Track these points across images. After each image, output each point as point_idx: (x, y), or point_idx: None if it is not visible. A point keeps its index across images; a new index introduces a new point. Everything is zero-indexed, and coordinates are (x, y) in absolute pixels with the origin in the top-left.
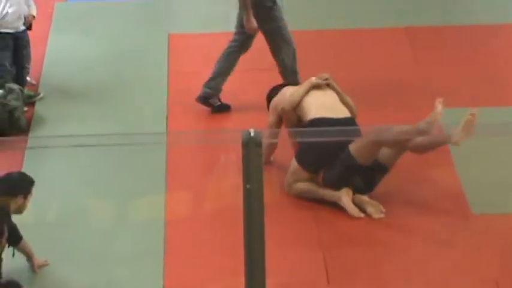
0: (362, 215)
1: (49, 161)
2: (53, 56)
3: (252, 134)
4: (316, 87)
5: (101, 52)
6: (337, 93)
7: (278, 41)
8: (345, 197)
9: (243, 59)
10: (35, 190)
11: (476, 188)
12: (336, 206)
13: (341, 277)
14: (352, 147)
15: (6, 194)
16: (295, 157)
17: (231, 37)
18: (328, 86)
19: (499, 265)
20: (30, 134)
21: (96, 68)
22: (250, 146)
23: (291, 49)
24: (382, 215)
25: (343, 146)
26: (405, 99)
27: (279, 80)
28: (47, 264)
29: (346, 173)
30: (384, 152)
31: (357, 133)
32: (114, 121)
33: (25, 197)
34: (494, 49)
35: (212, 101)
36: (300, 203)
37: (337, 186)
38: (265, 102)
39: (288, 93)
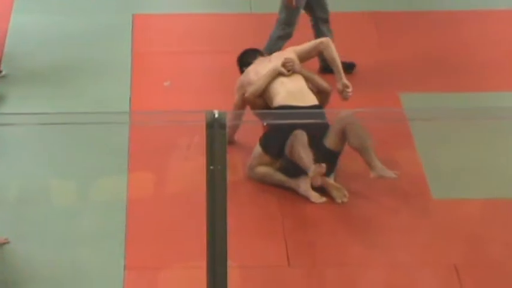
0: (323, 199)
1: (10, 139)
2: (16, 35)
3: (216, 115)
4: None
5: (65, 31)
6: (305, 77)
7: None
8: (303, 184)
9: (215, 41)
10: None
11: (437, 173)
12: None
13: (302, 260)
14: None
15: None
16: (259, 142)
17: (194, 17)
18: (294, 71)
19: (458, 250)
20: None
21: (59, 47)
22: (214, 127)
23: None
24: (345, 199)
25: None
26: (369, 84)
27: None
28: (7, 243)
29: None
30: (332, 138)
31: (321, 117)
32: (77, 100)
33: None
34: (459, 35)
35: None
36: (264, 185)
37: (295, 173)
38: (231, 85)
39: (252, 73)
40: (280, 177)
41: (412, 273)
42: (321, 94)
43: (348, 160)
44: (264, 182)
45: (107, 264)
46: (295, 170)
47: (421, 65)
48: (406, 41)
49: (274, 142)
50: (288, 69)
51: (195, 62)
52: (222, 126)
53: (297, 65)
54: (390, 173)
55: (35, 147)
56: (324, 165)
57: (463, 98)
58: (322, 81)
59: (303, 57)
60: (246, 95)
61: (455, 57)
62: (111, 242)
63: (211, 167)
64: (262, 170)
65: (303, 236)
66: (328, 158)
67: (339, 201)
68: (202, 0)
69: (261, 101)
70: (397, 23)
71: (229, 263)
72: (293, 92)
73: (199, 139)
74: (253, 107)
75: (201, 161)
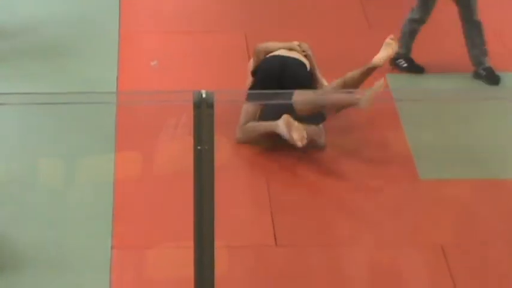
0: (304, 141)
1: None
2: (2, 13)
3: (204, 95)
4: (293, 49)
5: (51, 10)
6: (311, 62)
7: None
8: (282, 123)
9: (203, 21)
10: None
11: (424, 153)
12: (287, 169)
13: (289, 239)
14: (296, 102)
15: None
16: (246, 97)
17: None
18: (305, 56)
19: (445, 231)
20: None
21: (45, 26)
22: (202, 107)
23: None
24: (300, 144)
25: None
26: (356, 64)
27: (236, 44)
28: None
29: (284, 110)
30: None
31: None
32: (64, 80)
33: None
34: (450, 15)
35: (399, 62)
36: (252, 166)
37: (275, 116)
38: (219, 65)
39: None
40: (264, 125)
41: (399, 254)
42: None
43: (335, 140)
44: (253, 141)
45: (94, 244)
46: (275, 113)
47: None
48: (394, 21)
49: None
50: (302, 49)
51: (183, 41)
52: (210, 106)
53: (310, 51)
54: (374, 88)
55: (20, 128)
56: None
57: (450, 79)
58: (320, 79)
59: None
60: (258, 46)
61: (443, 36)
62: (98, 221)
63: (199, 147)
64: (249, 125)
65: (291, 215)
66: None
67: (299, 143)
68: None
69: (260, 59)
70: (384, 2)
71: (217, 242)
72: (291, 50)
73: (187, 119)
74: (254, 61)
75: (189, 140)
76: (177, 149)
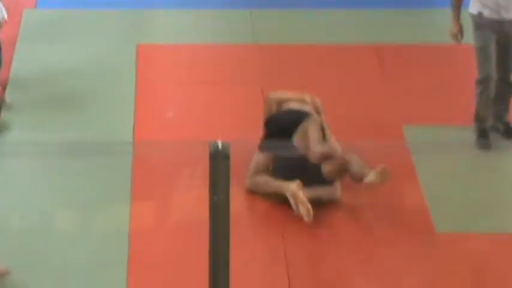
0: (310, 217)
1: (13, 168)
2: (21, 63)
3: (220, 147)
4: (305, 102)
5: (69, 60)
6: (322, 122)
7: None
8: (293, 190)
9: (219, 72)
10: None
11: (440, 206)
12: (302, 221)
13: None
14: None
15: None
16: (258, 147)
17: (199, 48)
18: (316, 110)
19: (462, 285)
20: None
21: (63, 76)
22: (218, 158)
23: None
24: (307, 219)
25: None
26: (372, 116)
27: (255, 97)
28: (8, 272)
29: (296, 165)
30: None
31: None
32: (81, 130)
33: None
34: (462, 68)
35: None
36: (267, 217)
37: (285, 177)
38: (235, 116)
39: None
40: (275, 185)
41: None
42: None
43: (350, 193)
44: (263, 192)
45: None
46: (288, 172)
47: (425, 97)
48: (409, 73)
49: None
50: (313, 103)
51: (199, 92)
52: (226, 157)
53: (321, 107)
54: (378, 169)
55: (37, 177)
56: (299, 181)
57: (467, 131)
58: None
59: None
60: (269, 95)
61: (459, 90)
62: (112, 272)
63: (214, 198)
64: (259, 177)
65: (306, 268)
66: (316, 180)
67: (306, 219)
68: (207, 30)
69: (272, 109)
70: (400, 55)
71: None
72: (300, 107)
73: (202, 170)
74: (265, 111)
75: (204, 191)
76: (192, 200)
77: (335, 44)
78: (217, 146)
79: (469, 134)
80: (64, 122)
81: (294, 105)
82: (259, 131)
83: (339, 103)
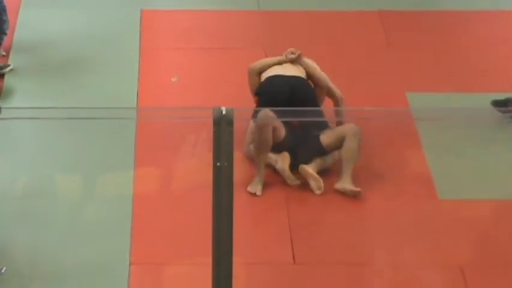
0: (297, 182)
1: (17, 133)
2: (24, 28)
3: (224, 112)
4: (283, 62)
5: (73, 26)
6: (307, 67)
7: None
8: (280, 162)
9: (222, 37)
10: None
11: (444, 173)
12: (306, 187)
13: (308, 257)
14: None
15: None
16: (252, 116)
17: (203, 13)
18: (296, 61)
19: (464, 251)
20: None
21: (66, 42)
22: (222, 123)
23: None
24: (318, 191)
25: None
26: (376, 83)
27: (257, 60)
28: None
29: (290, 137)
30: (330, 138)
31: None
32: (85, 95)
33: None
34: (467, 35)
35: None
36: (271, 183)
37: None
38: (238, 81)
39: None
40: (267, 154)
41: (417, 274)
42: (319, 89)
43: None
44: (257, 162)
45: (112, 260)
46: (287, 146)
47: (428, 64)
48: (413, 40)
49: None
50: (291, 56)
51: (203, 58)
52: (229, 123)
53: (303, 60)
54: (353, 188)
55: (41, 142)
56: (287, 154)
57: (471, 98)
58: (324, 75)
59: (314, 79)
60: (250, 67)
61: (463, 57)
62: (116, 237)
63: (218, 164)
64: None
65: (309, 233)
66: (315, 150)
67: (317, 192)
68: None
69: (257, 79)
70: (404, 22)
71: (235, 259)
72: (284, 68)
73: (206, 135)
74: (250, 86)
75: (208, 157)
76: (196, 165)
77: (338, 10)
78: (221, 111)
79: (473, 101)
80: (68, 87)
81: (276, 70)
82: None
83: (341, 69)
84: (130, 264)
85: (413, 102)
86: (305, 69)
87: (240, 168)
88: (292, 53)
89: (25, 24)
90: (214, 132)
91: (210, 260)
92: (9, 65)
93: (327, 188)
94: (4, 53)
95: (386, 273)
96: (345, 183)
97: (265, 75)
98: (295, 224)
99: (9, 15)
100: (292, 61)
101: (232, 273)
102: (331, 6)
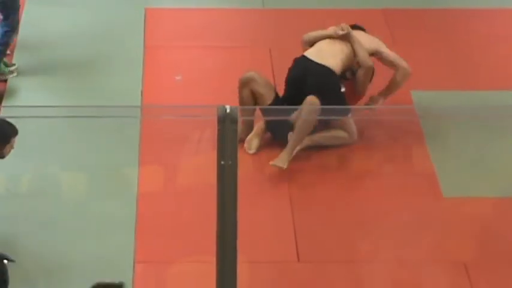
0: (252, 151)
1: (21, 132)
2: (29, 27)
3: (228, 110)
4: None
5: (77, 24)
6: (353, 42)
7: None
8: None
9: (227, 35)
10: (6, 160)
11: (448, 171)
12: (310, 186)
13: (312, 255)
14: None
15: None
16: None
17: (206, 12)
18: (345, 37)
19: (468, 248)
20: (3, 104)
21: (71, 40)
22: (226, 122)
23: None
24: (249, 151)
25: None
26: (380, 80)
27: (261, 59)
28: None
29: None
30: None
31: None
32: (89, 94)
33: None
34: (470, 33)
35: None
36: (275, 181)
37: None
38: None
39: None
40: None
41: (421, 271)
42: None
43: (357, 157)
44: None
45: (117, 258)
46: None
47: (432, 62)
48: (417, 38)
49: None
50: (341, 31)
51: (207, 56)
52: (234, 121)
53: (352, 36)
54: (284, 164)
55: (45, 140)
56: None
57: (475, 96)
58: (365, 57)
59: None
60: (303, 36)
61: (467, 55)
62: (121, 235)
63: (222, 162)
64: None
65: (313, 231)
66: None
67: (249, 151)
68: None
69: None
70: (409, 20)
71: (239, 258)
72: (322, 50)
73: (210, 133)
74: (303, 49)
75: (212, 155)
76: (200, 164)
77: (343, 8)
78: (225, 110)
79: (477, 99)
80: (72, 85)
81: (320, 46)
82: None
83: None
84: (135, 262)
85: (418, 100)
86: (352, 45)
87: (244, 167)
88: (342, 29)
89: (29, 23)
90: (218, 130)
91: (214, 258)
92: (14, 64)
93: (331, 186)
94: (9, 52)
95: (391, 271)
96: (279, 162)
97: (311, 48)
98: (300, 222)
99: None
100: (341, 38)
101: (237, 272)
102: (336, 4)
